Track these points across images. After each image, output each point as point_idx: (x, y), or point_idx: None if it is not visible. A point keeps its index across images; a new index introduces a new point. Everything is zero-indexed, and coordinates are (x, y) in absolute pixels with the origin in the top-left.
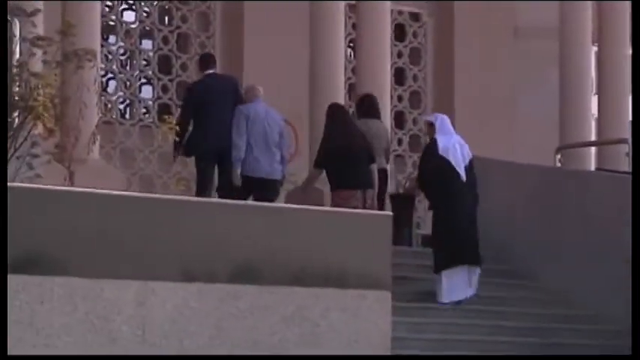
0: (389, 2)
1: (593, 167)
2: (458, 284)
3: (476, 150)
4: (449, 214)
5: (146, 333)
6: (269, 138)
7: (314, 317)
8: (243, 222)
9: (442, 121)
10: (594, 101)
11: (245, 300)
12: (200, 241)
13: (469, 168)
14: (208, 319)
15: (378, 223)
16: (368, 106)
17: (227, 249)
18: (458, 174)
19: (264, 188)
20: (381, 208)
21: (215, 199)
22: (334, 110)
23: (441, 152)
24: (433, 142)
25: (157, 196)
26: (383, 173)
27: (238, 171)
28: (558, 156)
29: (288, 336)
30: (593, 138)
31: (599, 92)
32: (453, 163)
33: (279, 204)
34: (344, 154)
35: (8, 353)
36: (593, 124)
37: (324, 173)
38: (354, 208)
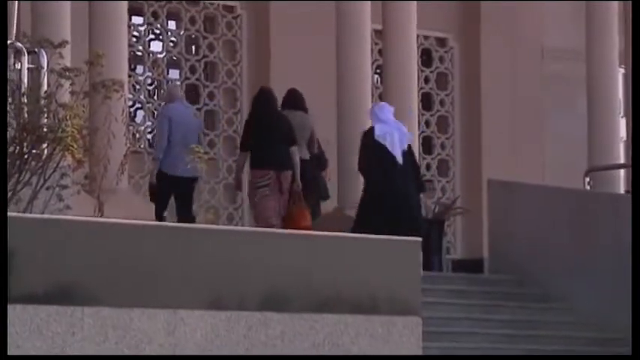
0: (415, 28)
1: (622, 190)
2: None
3: (506, 173)
4: (383, 195)
5: None
6: (189, 137)
7: (344, 344)
8: (272, 249)
9: (380, 108)
10: (622, 123)
11: (275, 327)
12: (229, 269)
13: (408, 153)
14: (238, 347)
15: (407, 249)
16: (292, 98)
17: (256, 276)
18: (394, 158)
19: (181, 186)
20: (299, 196)
21: (244, 228)
22: (259, 94)
23: (376, 138)
24: (370, 129)
25: (185, 225)
26: (305, 164)
27: (156, 170)
28: (587, 179)
29: None
30: (622, 160)
31: (627, 114)
32: (389, 148)
33: (310, 232)
34: (261, 135)
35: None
36: (622, 146)
37: None
38: (266, 187)
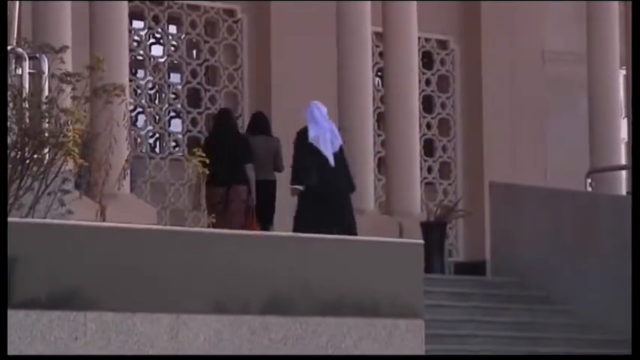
0: (416, 30)
1: (624, 191)
2: None
3: (507, 176)
4: (318, 196)
5: None
6: None
7: (347, 347)
8: (275, 253)
9: (312, 110)
10: (624, 124)
11: (277, 331)
12: (232, 273)
13: (340, 154)
14: (241, 351)
15: (409, 251)
16: (255, 122)
17: (259, 280)
18: (327, 160)
19: None
20: (252, 211)
21: (246, 231)
22: (218, 115)
23: (310, 140)
24: (304, 130)
25: (188, 229)
26: (268, 184)
27: None
28: (589, 180)
29: None
30: (623, 161)
31: (629, 116)
32: (322, 150)
33: (312, 235)
34: (216, 154)
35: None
36: (623, 147)
37: None
38: (218, 203)
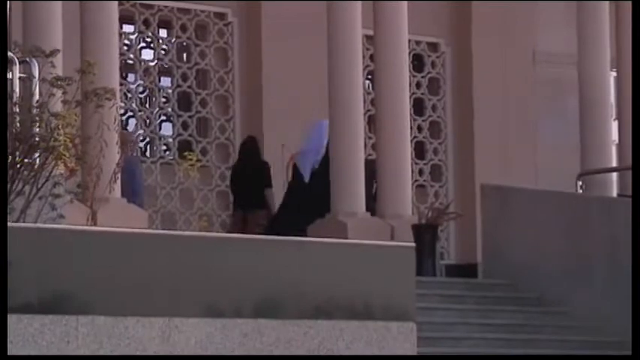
0: (406, 33)
1: (614, 193)
2: None
3: (499, 178)
4: (291, 209)
5: None
6: None
7: (339, 350)
8: (267, 256)
9: (309, 129)
10: (615, 127)
11: (270, 334)
12: (224, 277)
13: (318, 171)
14: (233, 354)
15: (401, 254)
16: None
17: (251, 284)
18: (302, 177)
19: None
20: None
21: (238, 235)
22: (242, 143)
23: (295, 161)
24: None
25: (179, 232)
26: None
27: None
28: (580, 182)
29: None
30: (614, 163)
31: (619, 118)
32: (300, 167)
33: (303, 238)
34: (237, 180)
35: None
36: (614, 149)
37: None
38: (238, 227)
